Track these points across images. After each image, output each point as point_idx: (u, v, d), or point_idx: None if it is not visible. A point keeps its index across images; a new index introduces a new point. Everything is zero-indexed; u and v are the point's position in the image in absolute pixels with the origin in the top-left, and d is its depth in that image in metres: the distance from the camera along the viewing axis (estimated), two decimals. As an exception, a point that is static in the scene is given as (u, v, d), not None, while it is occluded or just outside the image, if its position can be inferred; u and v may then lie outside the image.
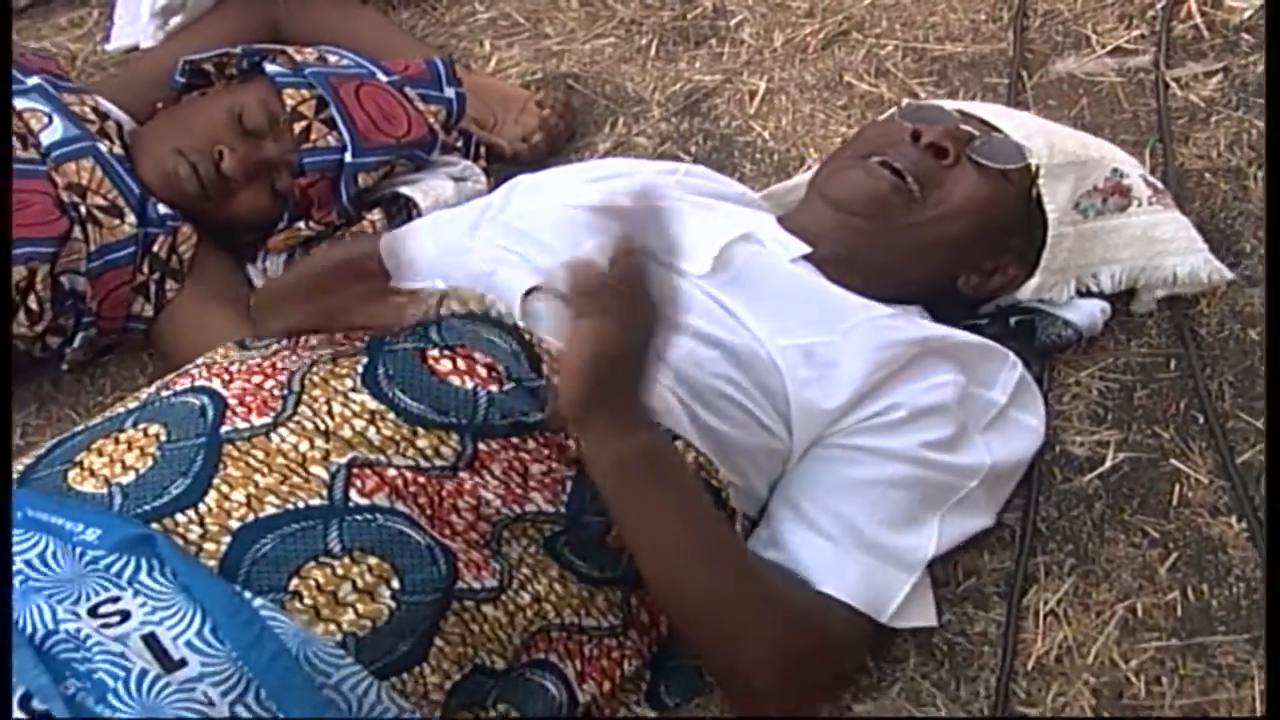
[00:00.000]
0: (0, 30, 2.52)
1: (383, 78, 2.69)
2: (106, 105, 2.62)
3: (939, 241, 2.28)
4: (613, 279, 1.78)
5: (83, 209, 2.41)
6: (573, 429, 1.88)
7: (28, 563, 1.71)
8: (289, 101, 2.59)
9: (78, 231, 2.41)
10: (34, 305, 2.39)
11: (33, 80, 2.54)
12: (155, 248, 2.47)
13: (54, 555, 1.73)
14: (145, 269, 2.47)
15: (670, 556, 1.91)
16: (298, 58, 2.65)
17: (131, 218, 2.45)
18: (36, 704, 1.59)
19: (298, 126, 2.58)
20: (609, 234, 1.81)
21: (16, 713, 1.58)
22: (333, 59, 2.69)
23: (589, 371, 1.80)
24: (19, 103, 2.48)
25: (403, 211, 2.67)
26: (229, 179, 2.54)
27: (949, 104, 2.50)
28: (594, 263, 1.81)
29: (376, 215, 2.63)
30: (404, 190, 2.68)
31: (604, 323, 1.78)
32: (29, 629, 1.64)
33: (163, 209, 2.49)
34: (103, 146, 2.49)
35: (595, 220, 1.85)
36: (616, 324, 1.78)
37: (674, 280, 1.87)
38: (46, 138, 2.46)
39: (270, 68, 2.63)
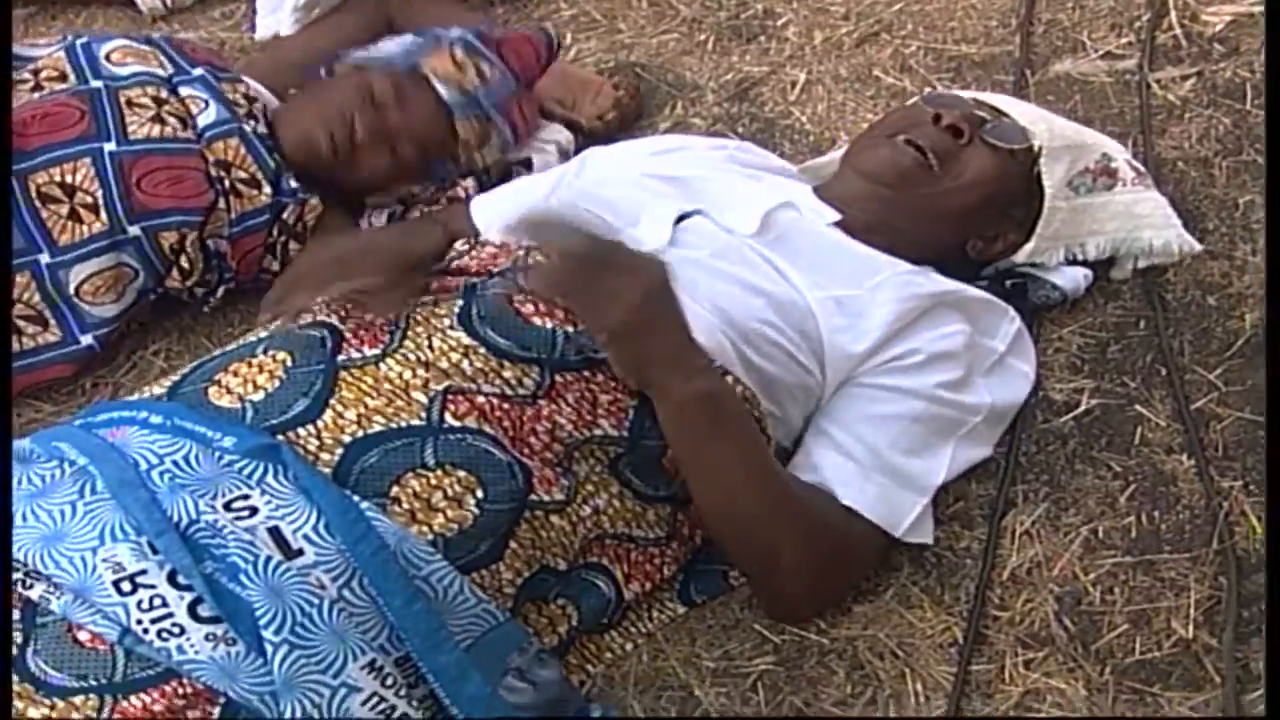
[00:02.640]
0: (0, 30, 2.53)
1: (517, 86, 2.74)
2: (256, 89, 2.64)
3: (953, 209, 2.29)
4: (570, 271, 1.84)
5: (227, 182, 2.44)
6: (638, 388, 1.91)
7: (175, 463, 1.76)
8: (461, 132, 2.63)
9: (222, 202, 2.44)
10: (185, 265, 2.43)
11: (198, 71, 2.56)
12: (285, 215, 2.50)
13: (196, 458, 1.77)
14: (275, 232, 2.50)
15: (722, 483, 1.93)
16: (466, 85, 2.64)
17: (268, 189, 2.47)
18: (181, 580, 1.64)
19: (463, 153, 2.63)
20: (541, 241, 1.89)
21: (165, 587, 1.64)
22: (487, 71, 2.68)
23: (615, 347, 1.85)
24: (184, 90, 2.50)
25: (521, 169, 2.71)
26: (356, 143, 2.55)
27: (964, 94, 2.51)
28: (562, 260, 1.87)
29: (469, 183, 2.64)
30: (525, 155, 2.72)
31: (592, 307, 1.83)
32: (175, 517, 1.69)
33: (294, 183, 2.51)
34: (248, 127, 2.50)
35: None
36: (601, 303, 1.82)
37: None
38: (202, 120, 2.47)
39: (444, 92, 2.63)
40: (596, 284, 1.83)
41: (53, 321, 2.38)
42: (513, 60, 2.73)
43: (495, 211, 2.39)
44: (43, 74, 2.48)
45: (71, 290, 2.37)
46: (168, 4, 3.19)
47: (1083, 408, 2.27)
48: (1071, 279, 2.41)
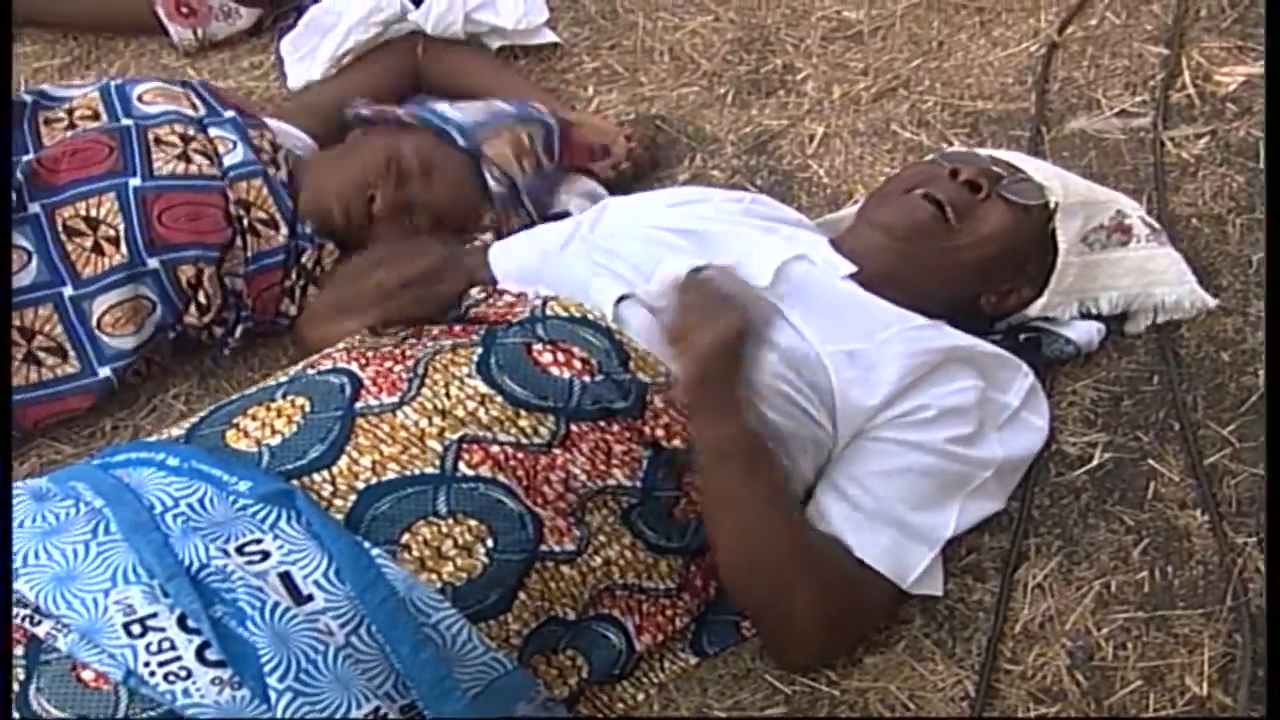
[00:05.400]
0: (0, 32, 2.54)
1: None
2: (283, 132, 2.64)
3: (968, 263, 2.25)
4: (705, 296, 1.85)
5: (246, 221, 2.42)
6: (686, 412, 1.88)
7: (190, 506, 1.73)
8: (487, 219, 2.59)
9: (239, 240, 2.42)
10: (202, 299, 2.41)
11: (229, 114, 2.56)
12: (303, 259, 2.48)
13: (211, 500, 1.74)
14: (293, 275, 2.48)
15: (745, 526, 1.90)
16: (513, 173, 2.62)
17: (285, 230, 2.46)
18: (190, 623, 1.62)
19: (479, 233, 2.58)
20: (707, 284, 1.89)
21: (174, 630, 1.61)
22: (544, 164, 2.67)
23: (695, 366, 1.81)
24: (213, 130, 2.51)
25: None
26: (374, 217, 2.53)
27: (980, 151, 2.48)
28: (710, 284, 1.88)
29: (489, 236, 2.57)
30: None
31: (715, 332, 1.80)
32: (187, 561, 1.67)
33: (309, 228, 2.50)
34: (271, 171, 2.50)
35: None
36: (721, 334, 1.81)
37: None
38: (228, 160, 2.46)
39: (491, 183, 2.60)
40: (712, 304, 1.83)
41: (72, 353, 2.37)
42: (569, 153, 2.74)
43: (512, 259, 2.35)
44: (76, 113, 2.50)
45: (94, 322, 2.36)
46: (199, 36, 3.17)
47: (1096, 462, 2.23)
48: (1085, 333, 2.37)
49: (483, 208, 2.60)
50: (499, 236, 2.52)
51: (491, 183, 2.60)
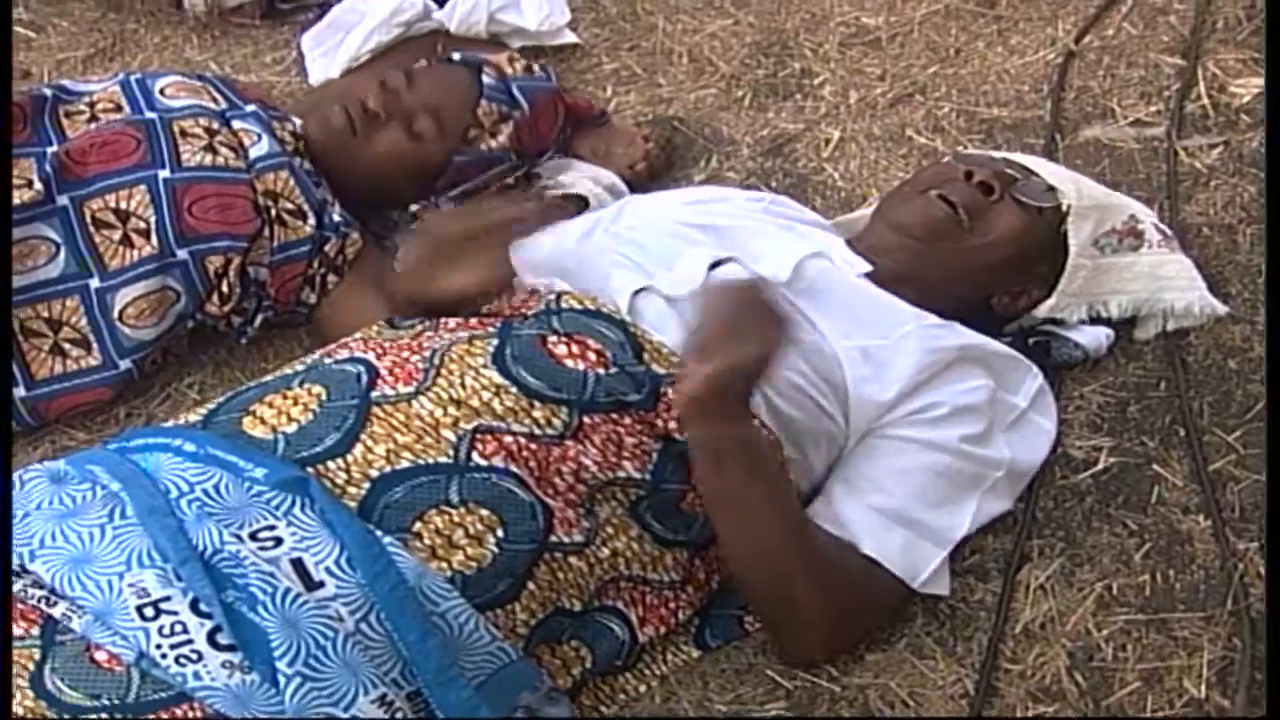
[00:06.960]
0: (0, 33, 2.55)
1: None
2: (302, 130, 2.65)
3: (981, 264, 2.27)
4: (746, 306, 1.84)
5: (274, 211, 2.43)
6: (684, 417, 1.87)
7: (205, 492, 1.75)
8: (480, 112, 2.61)
9: (266, 230, 2.43)
10: (225, 289, 2.41)
11: (250, 107, 2.57)
12: (326, 248, 2.48)
13: (226, 487, 1.75)
14: (316, 264, 2.48)
15: (751, 529, 1.90)
16: (506, 70, 2.67)
17: (312, 220, 2.46)
18: (202, 607, 1.63)
19: (472, 132, 2.61)
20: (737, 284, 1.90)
21: (187, 614, 1.63)
22: (536, 69, 2.72)
23: (712, 378, 1.79)
24: (237, 123, 2.51)
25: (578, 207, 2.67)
26: (373, 114, 2.55)
27: (995, 154, 2.49)
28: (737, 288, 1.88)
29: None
30: (579, 191, 2.69)
31: (736, 342, 1.79)
32: (200, 546, 1.68)
33: (336, 216, 2.50)
34: (296, 162, 2.51)
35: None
36: (746, 344, 1.80)
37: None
38: (254, 152, 2.47)
39: (485, 78, 2.64)
40: (745, 317, 1.83)
41: (95, 346, 2.38)
42: (565, 98, 2.76)
43: (533, 250, 2.35)
44: (98, 106, 2.50)
45: (115, 314, 2.37)
46: (209, 4, 3.20)
47: (1101, 465, 2.23)
48: (1094, 338, 2.38)
49: (475, 108, 2.62)
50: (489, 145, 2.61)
51: (485, 78, 2.63)
